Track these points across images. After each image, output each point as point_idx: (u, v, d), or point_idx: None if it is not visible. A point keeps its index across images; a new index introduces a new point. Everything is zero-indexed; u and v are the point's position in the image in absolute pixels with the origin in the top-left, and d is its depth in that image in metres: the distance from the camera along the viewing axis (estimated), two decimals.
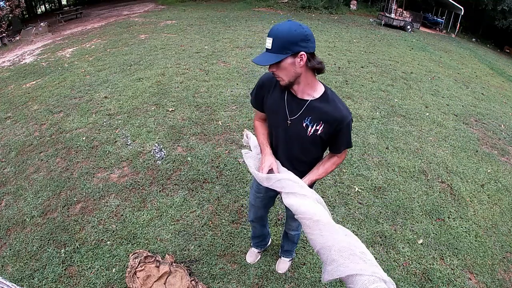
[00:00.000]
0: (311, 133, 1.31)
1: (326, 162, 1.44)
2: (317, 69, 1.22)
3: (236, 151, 3.31)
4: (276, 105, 1.35)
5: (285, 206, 1.50)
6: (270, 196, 1.73)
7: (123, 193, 2.80)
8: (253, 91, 1.47)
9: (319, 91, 1.29)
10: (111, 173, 3.06)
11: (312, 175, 1.41)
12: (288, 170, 1.41)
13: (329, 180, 3.00)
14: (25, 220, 2.57)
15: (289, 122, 1.33)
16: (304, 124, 1.31)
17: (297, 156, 1.43)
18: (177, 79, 5.13)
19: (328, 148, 1.44)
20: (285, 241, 2.04)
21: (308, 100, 1.28)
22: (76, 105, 4.43)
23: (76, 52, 7.43)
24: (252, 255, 2.20)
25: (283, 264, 2.15)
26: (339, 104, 1.28)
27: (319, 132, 1.30)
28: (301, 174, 1.42)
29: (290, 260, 2.17)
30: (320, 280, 2.07)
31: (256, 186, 1.70)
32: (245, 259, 2.20)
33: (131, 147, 3.42)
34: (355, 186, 2.93)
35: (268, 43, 1.15)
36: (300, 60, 1.16)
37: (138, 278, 1.90)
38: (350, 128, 1.32)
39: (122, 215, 2.57)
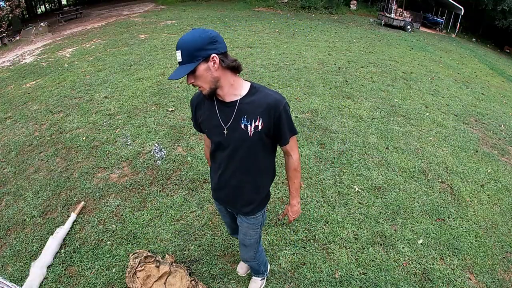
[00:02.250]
0: (253, 133, 1.24)
1: (289, 175, 1.43)
2: (234, 68, 1.19)
3: None
4: (209, 118, 1.30)
5: (239, 236, 1.60)
6: (228, 211, 1.63)
7: (123, 193, 2.80)
8: (192, 114, 1.41)
9: (245, 87, 1.25)
10: (111, 173, 3.06)
11: (293, 198, 1.47)
12: (238, 187, 1.40)
13: (329, 180, 3.00)
14: (25, 220, 2.57)
15: (225, 132, 1.27)
16: (242, 126, 1.24)
17: (246, 166, 1.34)
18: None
19: (278, 145, 1.38)
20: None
21: (237, 100, 1.23)
22: (76, 105, 4.43)
23: (76, 52, 7.43)
24: (243, 267, 2.10)
25: (254, 284, 2.00)
26: (269, 91, 1.24)
27: (260, 128, 1.24)
28: (253, 188, 1.39)
29: (262, 279, 2.01)
30: (320, 280, 2.07)
31: (217, 207, 1.67)
32: (236, 270, 2.11)
33: (131, 147, 3.42)
34: (355, 186, 2.93)
35: (178, 56, 1.12)
36: (213, 63, 1.13)
37: (138, 278, 1.89)
38: (289, 113, 1.26)
39: (122, 215, 2.56)
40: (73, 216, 2.52)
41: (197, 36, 1.10)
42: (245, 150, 1.30)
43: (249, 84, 1.26)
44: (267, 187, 1.48)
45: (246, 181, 1.39)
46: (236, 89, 1.24)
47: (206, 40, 1.11)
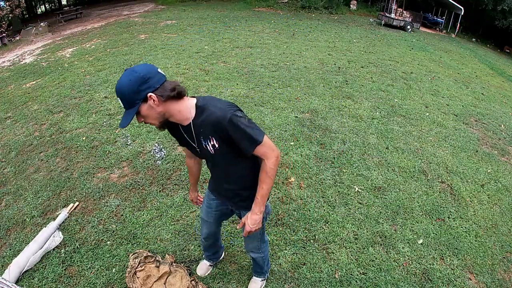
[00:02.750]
0: (213, 150, 1.26)
1: (259, 177, 1.31)
2: (176, 96, 1.16)
3: None
4: (181, 138, 1.35)
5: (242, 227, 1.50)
6: (223, 212, 1.65)
7: (123, 193, 2.80)
8: None
9: (192, 109, 1.22)
10: (111, 173, 3.06)
11: (256, 205, 1.34)
12: (230, 190, 1.47)
13: (329, 180, 3.00)
14: (25, 220, 2.57)
15: (198, 150, 1.32)
16: (204, 145, 1.27)
17: (227, 173, 1.40)
18: (177, 79, 5.12)
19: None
20: (252, 260, 1.89)
21: (189, 123, 1.23)
22: (76, 105, 4.43)
23: (76, 52, 7.43)
24: (203, 268, 2.07)
25: (254, 284, 1.98)
26: (212, 108, 1.19)
27: (216, 146, 1.24)
28: (243, 189, 1.42)
29: (262, 280, 2.00)
30: (320, 280, 2.07)
31: (207, 201, 1.66)
32: (196, 271, 2.08)
33: (131, 147, 3.42)
34: (355, 186, 2.93)
35: (120, 103, 1.15)
36: (153, 101, 1.12)
37: (138, 278, 1.89)
38: (238, 124, 1.16)
39: (122, 215, 2.56)
40: (62, 215, 2.52)
41: (128, 81, 1.09)
42: (220, 162, 1.35)
43: (194, 102, 1.23)
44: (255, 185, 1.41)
45: (234, 184, 1.44)
46: (186, 113, 1.22)
47: (137, 83, 1.09)
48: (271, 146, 1.25)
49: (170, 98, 1.15)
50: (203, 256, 2.11)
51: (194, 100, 1.24)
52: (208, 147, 1.26)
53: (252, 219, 1.36)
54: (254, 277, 2.01)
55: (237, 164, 1.34)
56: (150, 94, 1.11)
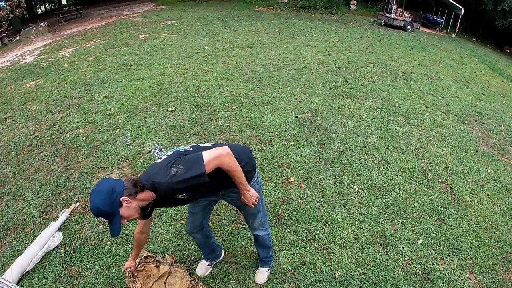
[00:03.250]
0: (186, 196, 1.42)
1: (228, 174, 1.44)
2: (140, 188, 1.31)
3: None
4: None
5: (242, 206, 1.62)
6: (210, 202, 1.74)
7: None
8: None
9: (151, 193, 1.35)
10: (111, 173, 3.06)
11: (241, 189, 1.50)
12: (218, 189, 1.59)
13: (329, 180, 3.00)
14: (25, 220, 2.57)
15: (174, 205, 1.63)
16: (180, 197, 1.40)
17: (211, 187, 1.45)
18: (177, 79, 5.13)
19: None
20: (257, 246, 1.97)
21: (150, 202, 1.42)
22: (76, 105, 4.43)
23: (76, 52, 7.43)
24: (202, 268, 2.09)
25: (260, 275, 2.05)
26: (156, 184, 1.32)
27: (185, 195, 1.40)
28: (227, 181, 1.50)
29: (268, 270, 2.07)
30: (320, 280, 2.07)
31: (191, 208, 1.75)
32: (195, 271, 2.10)
33: (131, 147, 3.42)
34: (355, 186, 2.93)
35: (102, 220, 1.28)
36: (126, 202, 1.27)
37: (138, 278, 1.89)
38: (183, 178, 1.28)
39: None
40: (62, 217, 2.52)
41: (100, 199, 1.23)
42: (196, 194, 1.50)
43: (149, 186, 1.35)
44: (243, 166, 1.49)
45: (218, 188, 1.59)
46: (150, 196, 1.36)
47: (107, 196, 1.23)
48: (214, 156, 1.34)
49: (137, 193, 1.30)
50: (202, 256, 2.12)
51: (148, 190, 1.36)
52: (185, 196, 1.40)
53: (246, 197, 1.52)
54: (260, 267, 2.06)
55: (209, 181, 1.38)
56: (122, 198, 1.26)
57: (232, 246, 2.29)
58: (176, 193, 1.36)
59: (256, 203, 1.56)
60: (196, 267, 2.12)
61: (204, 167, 1.30)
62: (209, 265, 2.11)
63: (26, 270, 2.10)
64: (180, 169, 1.29)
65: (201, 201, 1.70)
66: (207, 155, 1.33)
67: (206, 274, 2.09)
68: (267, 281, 2.05)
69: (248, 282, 2.04)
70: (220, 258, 2.16)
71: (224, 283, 2.04)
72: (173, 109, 4.17)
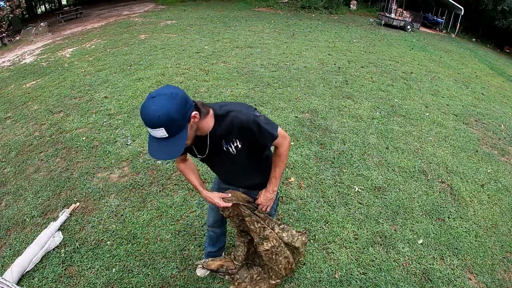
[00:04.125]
0: (235, 152, 1.31)
1: (273, 161, 1.46)
2: (206, 112, 1.20)
3: None
4: (186, 150, 1.35)
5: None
6: None
7: (123, 193, 2.80)
8: None
9: (211, 119, 1.24)
10: (111, 173, 3.06)
11: (270, 184, 1.50)
12: (248, 180, 1.55)
13: (329, 180, 3.00)
14: (25, 220, 2.57)
15: (202, 157, 1.35)
16: (224, 148, 1.30)
17: (246, 167, 1.44)
18: (177, 79, 5.13)
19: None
20: None
21: (207, 135, 1.26)
22: (76, 105, 4.43)
23: (76, 52, 7.43)
24: (203, 269, 2.04)
25: None
26: (234, 113, 1.23)
27: (239, 146, 1.30)
28: (256, 179, 1.53)
29: None
30: (320, 280, 2.07)
31: (217, 189, 1.67)
32: (195, 271, 2.07)
33: (131, 147, 3.42)
34: (355, 186, 2.93)
35: (161, 132, 1.02)
36: (194, 119, 1.11)
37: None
38: (260, 123, 1.24)
39: (122, 215, 2.56)
40: (63, 217, 2.52)
41: (175, 105, 1.02)
42: (239, 160, 1.37)
43: (212, 112, 1.24)
44: (270, 169, 1.51)
45: (250, 175, 1.53)
46: (209, 125, 1.24)
47: (183, 104, 1.04)
48: (283, 135, 1.35)
49: (205, 115, 1.18)
50: (204, 255, 2.11)
51: (211, 111, 1.24)
52: (230, 149, 1.30)
53: (265, 195, 1.51)
54: None
55: (252, 157, 1.41)
56: (194, 113, 1.09)
57: (232, 246, 2.29)
58: (243, 134, 1.24)
59: (267, 210, 1.57)
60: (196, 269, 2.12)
61: (278, 133, 1.29)
62: None
63: (26, 270, 2.10)
64: (262, 117, 1.26)
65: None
66: (279, 129, 1.32)
67: (206, 274, 2.08)
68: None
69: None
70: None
71: (224, 283, 2.04)
72: None
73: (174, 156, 1.07)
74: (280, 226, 1.68)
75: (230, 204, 1.50)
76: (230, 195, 1.53)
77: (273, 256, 1.68)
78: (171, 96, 1.02)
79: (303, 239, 1.77)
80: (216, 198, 1.49)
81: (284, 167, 1.46)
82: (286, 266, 1.75)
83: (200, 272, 2.08)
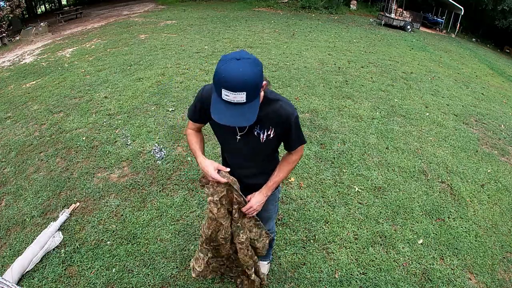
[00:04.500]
0: (264, 140, 1.30)
1: (280, 165, 1.44)
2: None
3: None
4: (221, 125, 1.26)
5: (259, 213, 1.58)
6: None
7: (123, 193, 2.80)
8: (193, 105, 1.36)
9: (260, 99, 1.20)
10: (111, 173, 3.06)
11: (265, 187, 1.43)
12: (250, 178, 1.48)
13: (329, 180, 3.00)
14: (25, 220, 2.57)
15: (238, 137, 1.30)
16: (255, 133, 1.28)
17: (250, 159, 1.43)
18: (177, 79, 5.13)
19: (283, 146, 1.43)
20: None
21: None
22: (76, 105, 4.43)
23: (76, 52, 7.43)
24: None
25: (263, 268, 2.04)
26: (282, 103, 1.23)
27: (271, 136, 1.29)
28: (264, 176, 1.46)
29: (268, 263, 2.11)
30: (320, 280, 2.07)
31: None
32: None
33: (131, 147, 3.42)
34: (355, 186, 2.93)
35: (240, 97, 0.99)
36: (263, 89, 1.11)
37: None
38: (299, 124, 1.29)
39: (122, 215, 2.57)
40: (63, 217, 2.52)
41: (258, 71, 1.01)
42: (256, 152, 1.37)
43: (263, 93, 1.20)
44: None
45: (258, 168, 1.47)
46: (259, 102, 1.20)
47: (261, 71, 1.02)
48: (302, 149, 1.42)
49: (264, 89, 1.15)
50: None
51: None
52: (261, 135, 1.28)
53: (257, 198, 1.43)
54: (260, 261, 2.06)
55: (271, 154, 1.46)
56: (265, 82, 1.07)
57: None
58: (280, 126, 1.25)
59: (252, 214, 1.50)
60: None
61: (303, 143, 1.37)
62: None
63: (26, 270, 2.10)
64: (299, 122, 1.31)
65: None
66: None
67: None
68: (267, 282, 2.05)
69: None
70: None
71: (224, 283, 2.04)
72: (173, 109, 4.17)
73: (250, 122, 1.04)
74: (257, 222, 1.59)
75: (223, 180, 1.34)
76: (228, 169, 1.39)
77: (247, 251, 1.58)
78: (255, 61, 1.01)
79: (267, 242, 1.67)
80: (211, 167, 1.33)
81: (286, 177, 1.46)
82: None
83: None
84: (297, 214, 2.58)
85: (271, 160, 1.50)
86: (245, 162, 1.44)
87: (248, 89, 0.99)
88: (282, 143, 1.41)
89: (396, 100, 4.89)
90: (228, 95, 1.00)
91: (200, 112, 1.35)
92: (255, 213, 1.48)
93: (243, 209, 1.45)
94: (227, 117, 1.03)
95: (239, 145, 1.33)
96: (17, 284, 1.97)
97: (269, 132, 1.28)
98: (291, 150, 1.38)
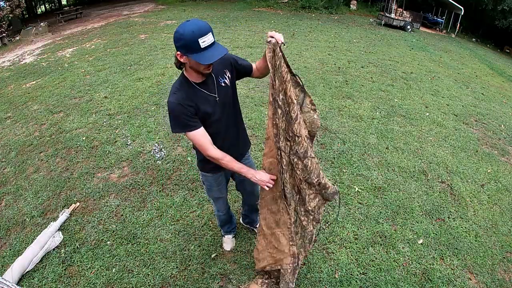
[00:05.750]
0: (229, 83, 1.52)
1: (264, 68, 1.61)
2: None
3: None
4: (206, 103, 1.45)
5: (247, 188, 1.93)
6: (227, 178, 1.89)
7: (123, 193, 2.80)
8: (184, 116, 1.39)
9: None
10: (111, 173, 3.06)
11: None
12: (237, 136, 1.67)
13: (329, 180, 2.99)
14: (25, 220, 2.57)
15: (217, 98, 1.48)
16: (222, 83, 1.49)
17: (232, 118, 1.61)
18: (177, 79, 5.12)
19: (244, 75, 1.63)
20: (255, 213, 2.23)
21: (210, 71, 1.41)
22: (76, 105, 4.43)
23: (76, 52, 7.43)
24: (229, 242, 2.26)
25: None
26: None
27: (230, 76, 1.53)
28: (240, 139, 1.72)
29: None
30: (320, 280, 2.07)
31: (214, 181, 1.80)
32: (223, 248, 2.25)
33: (131, 147, 3.42)
34: (355, 186, 2.93)
35: (211, 36, 1.26)
36: None
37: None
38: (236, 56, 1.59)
39: (122, 215, 2.57)
40: (63, 217, 2.52)
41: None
42: (232, 102, 1.58)
43: None
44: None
45: (240, 128, 1.70)
46: None
47: None
48: None
49: None
50: (223, 233, 2.26)
51: None
52: (226, 81, 1.50)
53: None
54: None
55: (236, 96, 1.63)
56: None
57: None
58: (225, 69, 1.53)
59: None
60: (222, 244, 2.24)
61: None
62: (233, 237, 2.29)
63: (26, 270, 2.10)
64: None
65: (222, 184, 1.85)
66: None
67: (233, 246, 2.25)
68: (267, 282, 2.04)
69: (248, 282, 2.04)
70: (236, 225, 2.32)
71: (224, 283, 2.04)
72: None
73: (226, 50, 1.29)
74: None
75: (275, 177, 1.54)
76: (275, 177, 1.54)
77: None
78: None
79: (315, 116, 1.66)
80: (265, 177, 1.55)
81: None
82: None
83: (229, 246, 2.25)
84: None
85: (240, 112, 1.69)
86: (230, 127, 1.61)
87: (211, 29, 1.27)
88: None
89: (396, 100, 4.89)
90: (205, 40, 1.24)
91: (197, 113, 1.43)
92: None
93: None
94: (214, 55, 1.26)
95: (221, 107, 1.50)
96: (17, 284, 1.97)
97: (228, 75, 1.51)
98: (251, 67, 1.63)
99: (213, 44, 1.27)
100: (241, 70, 1.59)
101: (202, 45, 1.23)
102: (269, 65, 1.39)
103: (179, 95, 1.39)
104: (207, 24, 1.26)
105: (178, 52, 1.29)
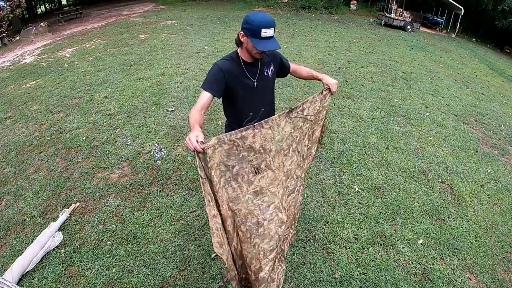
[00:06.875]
0: (271, 75, 1.73)
1: (306, 73, 1.93)
2: None
3: None
4: (241, 79, 1.62)
5: None
6: None
7: (123, 193, 2.80)
8: (212, 76, 1.56)
9: None
10: (111, 173, 3.06)
11: (324, 78, 1.87)
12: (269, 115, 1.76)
13: (329, 180, 3.00)
14: (25, 220, 2.57)
15: (255, 83, 1.65)
16: (265, 73, 1.69)
17: (262, 102, 1.75)
18: (177, 79, 5.13)
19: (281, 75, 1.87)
20: None
21: (260, 57, 1.61)
22: (76, 105, 4.43)
23: (76, 52, 7.43)
24: None
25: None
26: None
27: (273, 70, 1.74)
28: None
29: None
30: (320, 280, 2.07)
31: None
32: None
33: (131, 147, 3.42)
34: (355, 186, 2.93)
35: (272, 31, 1.48)
36: None
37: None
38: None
39: (122, 215, 2.57)
40: (63, 217, 2.52)
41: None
42: (267, 90, 1.77)
43: None
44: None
45: (272, 105, 1.87)
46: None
47: None
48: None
49: None
50: None
51: None
52: (268, 72, 1.70)
53: (333, 84, 1.90)
54: None
55: (273, 88, 1.84)
56: None
57: None
58: (272, 62, 1.76)
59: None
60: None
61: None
62: None
63: (26, 270, 2.10)
64: None
65: None
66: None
67: None
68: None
69: None
70: None
71: (225, 283, 2.04)
72: (173, 109, 4.17)
73: (279, 46, 1.51)
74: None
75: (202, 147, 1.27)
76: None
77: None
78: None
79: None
80: (193, 138, 1.30)
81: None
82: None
83: None
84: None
85: (273, 100, 1.86)
86: (258, 107, 1.73)
87: (274, 26, 1.50)
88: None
89: (396, 100, 4.89)
90: (266, 32, 1.46)
91: (221, 82, 1.57)
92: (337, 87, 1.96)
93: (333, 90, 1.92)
94: (268, 46, 1.48)
95: (256, 89, 1.67)
96: (17, 284, 1.97)
97: (272, 68, 1.72)
98: (289, 68, 1.85)
99: (271, 37, 1.49)
100: (282, 68, 1.81)
101: (263, 34, 1.46)
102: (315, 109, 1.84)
103: (224, 62, 1.60)
104: (273, 20, 1.48)
105: (242, 32, 1.51)
